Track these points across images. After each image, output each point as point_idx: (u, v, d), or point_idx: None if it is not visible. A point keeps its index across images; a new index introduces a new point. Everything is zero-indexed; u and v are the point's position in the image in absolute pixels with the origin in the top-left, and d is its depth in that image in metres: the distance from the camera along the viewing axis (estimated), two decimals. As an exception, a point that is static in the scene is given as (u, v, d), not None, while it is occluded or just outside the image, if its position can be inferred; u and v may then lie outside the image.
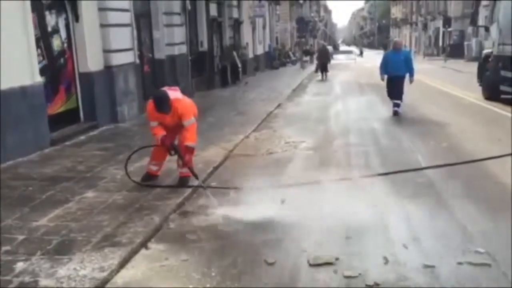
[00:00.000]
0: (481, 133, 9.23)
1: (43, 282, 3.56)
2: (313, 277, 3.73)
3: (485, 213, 4.92)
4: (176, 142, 5.87)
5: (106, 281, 3.64)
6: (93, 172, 6.61)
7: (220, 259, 4.03)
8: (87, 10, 9.47)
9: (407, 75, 11.38)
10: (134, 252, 4.14)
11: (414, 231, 4.53)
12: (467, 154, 7.32)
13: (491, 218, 4.77)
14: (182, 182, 5.90)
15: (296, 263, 3.96)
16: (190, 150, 5.73)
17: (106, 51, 10.09)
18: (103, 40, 10.02)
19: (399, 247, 4.16)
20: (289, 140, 8.96)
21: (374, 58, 38.92)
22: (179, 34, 14.26)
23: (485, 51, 14.93)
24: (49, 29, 8.73)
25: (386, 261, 3.90)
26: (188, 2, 14.78)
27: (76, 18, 9.28)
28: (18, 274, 3.67)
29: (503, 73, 12.72)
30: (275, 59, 32.99)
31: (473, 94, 14.68)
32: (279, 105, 13.86)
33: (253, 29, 27.94)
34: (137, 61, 11.55)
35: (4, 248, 4.12)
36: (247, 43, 25.18)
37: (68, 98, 9.29)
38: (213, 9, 18.43)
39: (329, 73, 24.75)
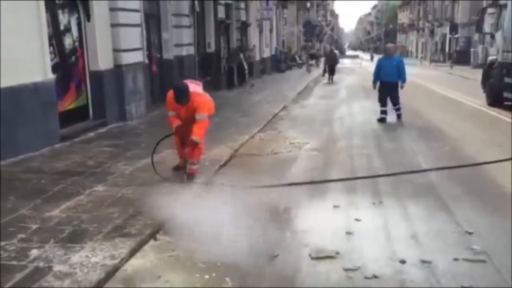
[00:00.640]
0: (482, 138, 9.37)
1: (57, 267, 3.73)
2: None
3: (483, 213, 5.07)
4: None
5: (117, 268, 3.82)
6: (102, 168, 6.78)
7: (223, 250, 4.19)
8: (99, 10, 9.68)
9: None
10: (143, 243, 4.31)
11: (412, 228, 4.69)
12: (468, 158, 7.47)
13: (489, 218, 4.92)
14: (189, 178, 6.07)
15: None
16: (194, 144, 5.89)
17: (116, 50, 10.30)
18: (113, 39, 10.22)
19: (398, 243, 4.33)
20: (294, 141, 9.13)
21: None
22: (187, 35, 14.47)
23: (489, 58, 15.06)
24: (62, 27, 8.94)
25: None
26: (196, 4, 15.00)
27: (88, 17, 9.49)
28: (32, 260, 3.85)
29: (507, 80, 12.85)
30: (281, 62, 33.18)
31: (477, 100, 14.80)
32: (284, 107, 14.03)
33: (260, 32, 28.15)
34: (146, 61, 11.78)
35: (19, 236, 4.30)
36: (254, 46, 25.39)
37: (78, 95, 9.49)
38: (221, 11, 18.64)
39: (335, 77, 25.36)
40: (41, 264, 3.78)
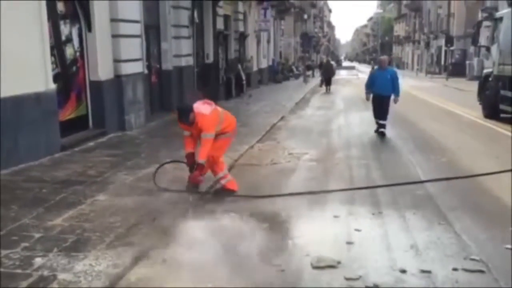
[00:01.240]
0: (479, 150, 9.47)
1: (61, 276, 3.76)
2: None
3: (481, 224, 5.14)
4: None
5: (120, 276, 3.86)
6: (103, 177, 6.82)
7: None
8: (100, 21, 9.78)
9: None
10: (147, 251, 4.35)
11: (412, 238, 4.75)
12: (465, 169, 7.56)
13: (487, 229, 5.00)
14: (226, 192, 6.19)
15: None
16: (200, 167, 5.91)
17: (116, 61, 10.38)
18: (113, 49, 10.31)
19: (398, 253, 4.39)
20: (293, 151, 9.21)
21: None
22: (187, 46, 14.59)
23: (485, 71, 15.21)
24: (63, 38, 9.03)
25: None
26: (196, 15, 15.13)
27: (89, 28, 9.58)
28: (37, 269, 3.88)
29: (503, 92, 12.99)
30: (278, 73, 33.39)
31: (474, 112, 14.94)
32: (282, 118, 14.13)
33: (258, 43, 28.37)
34: (146, 71, 11.87)
35: (22, 245, 4.33)
36: (251, 57, 25.58)
37: (78, 105, 9.55)
38: (220, 23, 18.79)
39: (332, 87, 25.97)
40: (46, 273, 3.81)
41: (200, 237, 4.68)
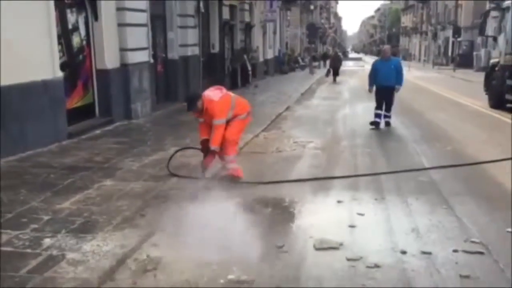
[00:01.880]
0: (483, 139, 9.48)
1: (69, 255, 3.86)
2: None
3: (482, 208, 5.21)
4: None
5: (128, 256, 3.95)
6: (110, 163, 6.92)
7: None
8: (106, 10, 9.85)
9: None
10: (153, 233, 4.44)
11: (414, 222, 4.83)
12: (469, 157, 7.60)
13: (488, 213, 5.06)
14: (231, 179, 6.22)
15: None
16: (212, 153, 6.00)
17: (123, 50, 10.46)
18: (120, 38, 10.38)
19: (400, 236, 4.46)
20: (298, 140, 9.26)
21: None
22: (192, 35, 14.62)
23: (492, 61, 15.16)
24: (70, 27, 9.10)
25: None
26: (202, 5, 15.15)
27: (95, 17, 9.65)
28: (46, 249, 3.98)
29: (509, 82, 12.95)
30: (284, 64, 33.35)
31: (479, 102, 14.92)
32: (288, 108, 14.17)
33: (264, 33, 28.32)
34: (152, 60, 11.93)
35: (31, 226, 4.44)
36: (257, 47, 25.55)
37: (85, 93, 9.65)
38: (226, 12, 18.80)
39: (338, 78, 26.51)
40: (54, 252, 3.91)
41: (204, 220, 4.75)
